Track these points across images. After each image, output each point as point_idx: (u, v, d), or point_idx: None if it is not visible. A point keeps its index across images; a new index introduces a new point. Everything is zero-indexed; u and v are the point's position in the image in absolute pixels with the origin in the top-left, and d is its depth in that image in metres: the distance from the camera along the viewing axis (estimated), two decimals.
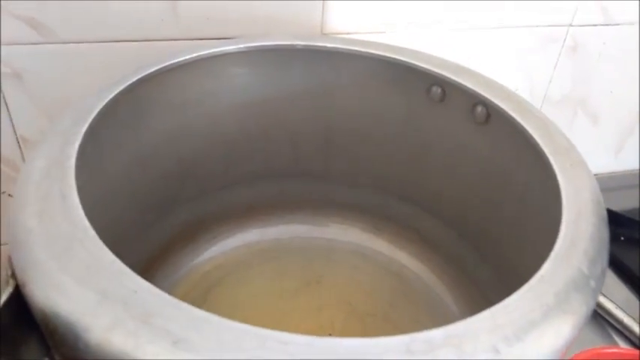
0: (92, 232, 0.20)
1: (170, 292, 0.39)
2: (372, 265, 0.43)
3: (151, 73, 0.32)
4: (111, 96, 0.29)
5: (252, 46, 0.34)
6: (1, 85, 0.40)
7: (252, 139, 0.40)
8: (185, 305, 0.18)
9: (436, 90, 0.35)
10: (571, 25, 0.50)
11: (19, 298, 0.19)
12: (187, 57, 0.33)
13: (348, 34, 0.45)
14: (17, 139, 0.42)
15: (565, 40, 0.51)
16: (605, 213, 0.23)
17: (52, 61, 0.40)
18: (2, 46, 0.38)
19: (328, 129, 0.41)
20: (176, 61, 0.33)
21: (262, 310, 0.39)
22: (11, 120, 0.41)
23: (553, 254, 0.20)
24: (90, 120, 0.27)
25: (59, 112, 0.29)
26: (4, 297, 0.20)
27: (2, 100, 0.40)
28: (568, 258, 0.20)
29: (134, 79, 0.31)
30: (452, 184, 0.39)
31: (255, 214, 0.44)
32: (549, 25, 0.49)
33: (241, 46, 0.34)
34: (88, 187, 0.28)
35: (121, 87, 0.30)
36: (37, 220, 0.20)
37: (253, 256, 0.43)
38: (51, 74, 0.40)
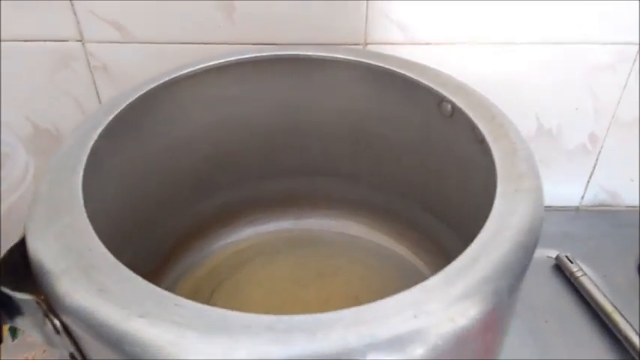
0: (81, 203, 0.26)
1: (202, 263, 0.45)
2: (389, 268, 0.45)
3: (193, 70, 0.38)
4: (147, 89, 0.35)
5: (277, 55, 0.38)
6: (93, 75, 0.48)
7: (285, 135, 0.44)
8: (120, 266, 0.23)
9: (446, 105, 0.36)
10: None
11: (23, 245, 0.25)
12: (223, 60, 0.38)
13: (392, 44, 0.47)
14: None
15: (635, 60, 0.47)
16: (528, 242, 0.23)
17: (131, 57, 0.47)
18: (93, 44, 0.46)
19: (354, 130, 0.43)
20: (214, 63, 0.38)
21: (274, 294, 0.43)
22: (100, 103, 0.50)
23: (448, 267, 0.22)
24: (122, 107, 0.33)
25: None
26: (17, 240, 0.26)
27: (95, 89, 0.49)
28: (460, 275, 0.21)
29: (173, 75, 0.37)
30: (465, 198, 0.39)
31: (290, 205, 0.48)
32: (617, 43, 0.47)
33: (268, 54, 0.38)
34: (118, 167, 0.34)
35: (160, 81, 0.36)
36: (48, 188, 0.27)
37: (283, 242, 0.48)
38: (131, 67, 0.48)
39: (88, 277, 0.22)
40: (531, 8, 0.45)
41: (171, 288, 0.42)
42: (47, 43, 0.46)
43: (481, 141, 0.32)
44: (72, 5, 0.44)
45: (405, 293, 0.21)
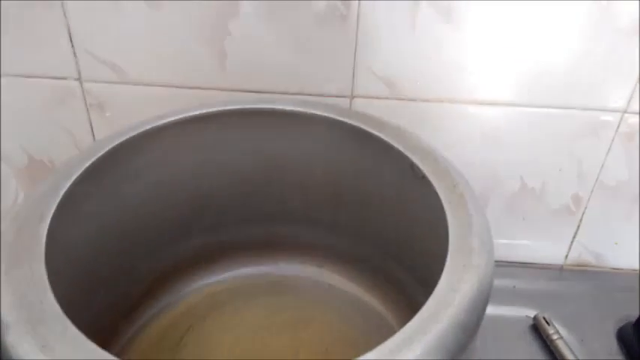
0: (42, 253, 0.27)
1: (175, 306, 0.46)
2: (360, 319, 0.45)
3: (176, 119, 0.39)
4: (128, 136, 0.36)
5: (256, 108, 0.39)
6: (89, 112, 0.50)
7: (265, 183, 0.45)
8: (67, 322, 0.23)
9: (417, 168, 0.37)
10: (626, 112, 0.47)
11: None
12: (205, 111, 0.40)
13: (377, 98, 0.48)
14: None
15: (619, 126, 0.48)
16: (469, 321, 0.24)
17: (126, 97, 0.49)
18: (91, 83, 0.48)
19: (332, 182, 0.44)
20: (197, 112, 0.40)
21: (246, 340, 0.43)
22: (94, 139, 0.52)
23: (381, 347, 0.22)
24: (101, 155, 0.34)
25: None
26: None
27: (90, 125, 0.51)
28: (394, 353, 0.22)
29: (158, 123, 0.38)
30: (433, 257, 0.40)
31: (267, 250, 0.49)
32: (599, 110, 0.47)
33: (247, 106, 0.39)
34: (96, 211, 0.35)
35: (142, 129, 0.37)
36: (14, 235, 0.28)
37: (259, 287, 0.48)
38: (125, 107, 0.50)
39: (34, 332, 0.23)
40: (517, 71, 0.46)
41: (143, 328, 0.43)
42: (47, 80, 0.48)
43: (440, 208, 0.33)
44: (72, 46, 0.46)
45: None
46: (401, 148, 0.36)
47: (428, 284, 0.41)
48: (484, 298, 0.25)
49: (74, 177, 0.32)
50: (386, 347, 0.22)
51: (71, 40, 0.46)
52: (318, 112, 0.39)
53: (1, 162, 0.50)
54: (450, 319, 0.23)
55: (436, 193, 0.32)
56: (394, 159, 0.38)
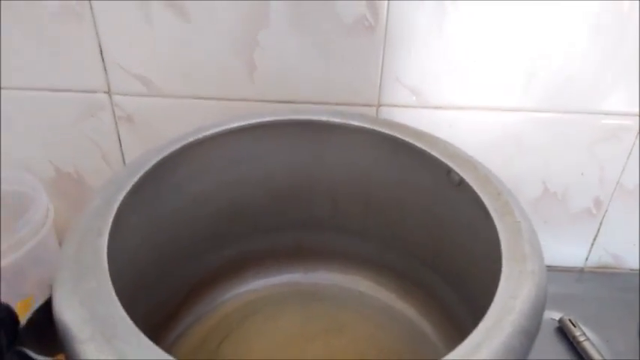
0: (105, 267, 0.27)
1: (211, 314, 0.46)
2: (393, 326, 0.46)
3: (214, 132, 0.40)
4: (170, 151, 0.37)
5: (292, 119, 0.40)
6: (117, 125, 0.50)
7: (298, 192, 0.46)
8: (141, 335, 0.24)
9: (454, 175, 0.38)
10: None
11: (49, 306, 0.27)
12: (242, 123, 0.40)
13: (404, 107, 0.49)
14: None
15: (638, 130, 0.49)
16: (530, 326, 0.24)
17: (155, 109, 0.50)
18: (119, 96, 0.49)
19: (365, 191, 0.45)
20: (234, 125, 0.40)
21: (281, 347, 0.44)
22: (122, 152, 0.52)
23: (451, 354, 0.23)
24: (145, 170, 0.35)
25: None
26: (42, 301, 0.28)
27: (118, 137, 0.51)
28: None
29: (196, 137, 0.39)
30: (470, 264, 0.40)
31: (299, 258, 0.50)
32: (620, 114, 0.48)
33: (284, 118, 0.40)
34: (139, 224, 0.36)
35: (183, 142, 0.38)
36: (75, 250, 0.28)
37: (292, 295, 0.49)
38: (154, 119, 0.50)
39: (111, 346, 0.23)
40: (539, 77, 0.47)
41: (180, 337, 0.43)
42: (76, 93, 0.49)
43: (485, 215, 0.33)
44: (102, 59, 0.47)
45: None
46: (438, 156, 0.37)
47: (462, 290, 0.42)
48: (542, 303, 0.26)
49: (125, 191, 0.32)
50: (457, 354, 0.23)
51: (101, 54, 0.47)
52: (355, 123, 0.40)
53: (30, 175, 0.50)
54: (513, 325, 0.24)
55: (480, 200, 0.32)
56: (430, 167, 0.39)
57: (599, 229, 0.56)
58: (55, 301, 0.26)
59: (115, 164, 0.53)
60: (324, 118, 0.40)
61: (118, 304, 0.25)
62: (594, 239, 0.57)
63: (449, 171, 0.38)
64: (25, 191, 0.46)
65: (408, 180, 0.42)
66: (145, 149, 0.51)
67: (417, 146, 0.37)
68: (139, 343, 0.23)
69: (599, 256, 0.58)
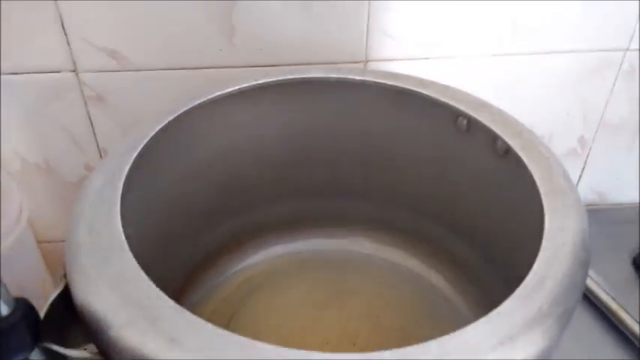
0: (126, 248, 0.25)
1: (214, 294, 0.44)
2: (403, 283, 0.45)
3: (205, 101, 0.37)
4: (164, 123, 0.34)
5: (290, 79, 0.38)
6: (88, 106, 0.46)
7: (296, 157, 0.44)
8: (186, 313, 0.22)
9: (462, 121, 0.37)
10: (628, 50, 0.49)
11: (67, 294, 0.24)
12: (232, 89, 0.38)
13: (391, 60, 0.47)
14: (99, 150, 0.49)
15: (622, 64, 0.50)
16: (585, 257, 0.24)
17: (128, 85, 0.46)
18: (87, 74, 0.45)
19: (365, 148, 0.43)
20: (226, 91, 0.38)
21: (293, 318, 0.42)
22: (95, 134, 0.48)
23: (518, 291, 0.22)
24: (144, 143, 0.32)
25: (132, 127, 0.34)
26: (57, 292, 0.25)
27: (89, 119, 0.47)
28: (531, 297, 0.22)
29: (188, 106, 0.36)
30: (480, 210, 0.40)
31: (299, 226, 0.48)
32: (604, 50, 0.49)
33: (281, 78, 0.38)
34: (140, 201, 0.33)
35: (175, 114, 0.35)
36: (87, 234, 0.25)
37: (294, 265, 0.47)
38: (128, 96, 0.46)
39: (155, 328, 0.21)
40: (522, 19, 0.46)
41: None
42: (38, 75, 0.44)
43: (505, 152, 0.33)
44: (64, 32, 0.43)
45: (482, 321, 0.21)
46: (446, 100, 0.36)
47: (470, 236, 0.41)
48: (587, 235, 0.25)
49: (127, 167, 0.29)
50: (523, 290, 0.22)
51: (63, 26, 0.42)
52: (354, 77, 0.38)
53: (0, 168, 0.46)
54: (571, 257, 0.24)
55: (502, 140, 0.32)
56: (436, 114, 0.37)
57: (583, 169, 0.57)
58: (77, 290, 0.23)
59: (89, 150, 0.49)
60: (321, 75, 0.38)
61: (152, 284, 0.23)
62: (579, 178, 0.58)
63: (456, 117, 0.37)
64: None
65: (411, 132, 0.41)
66: (121, 130, 0.47)
67: (424, 94, 0.36)
68: (186, 321, 0.21)
69: (584, 194, 0.59)
